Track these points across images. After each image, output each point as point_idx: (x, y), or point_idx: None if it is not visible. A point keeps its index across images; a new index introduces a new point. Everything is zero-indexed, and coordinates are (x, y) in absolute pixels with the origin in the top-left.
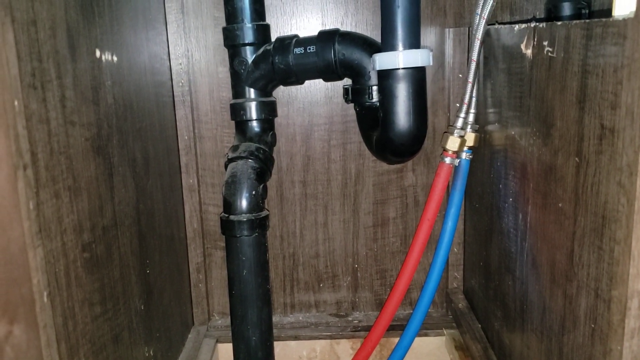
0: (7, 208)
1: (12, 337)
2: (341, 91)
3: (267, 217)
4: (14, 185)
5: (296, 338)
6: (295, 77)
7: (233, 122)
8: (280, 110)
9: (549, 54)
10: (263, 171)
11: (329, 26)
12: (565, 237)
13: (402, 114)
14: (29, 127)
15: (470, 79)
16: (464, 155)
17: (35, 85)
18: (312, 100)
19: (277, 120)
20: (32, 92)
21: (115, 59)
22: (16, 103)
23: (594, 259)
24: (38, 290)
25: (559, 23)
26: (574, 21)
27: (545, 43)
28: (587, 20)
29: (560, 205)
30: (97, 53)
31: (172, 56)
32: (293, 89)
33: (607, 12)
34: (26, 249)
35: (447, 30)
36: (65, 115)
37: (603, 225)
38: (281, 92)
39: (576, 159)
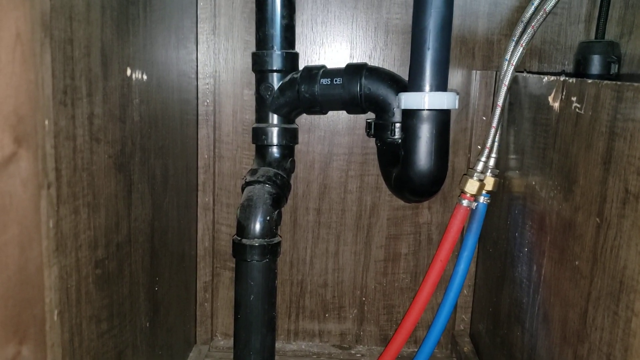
0: (28, 228)
1: (19, 357)
2: (363, 123)
3: (279, 243)
4: (37, 204)
5: None
6: (319, 106)
7: (253, 144)
8: (301, 137)
9: (577, 110)
10: (279, 197)
11: (358, 59)
12: (579, 296)
13: (423, 155)
14: (56, 144)
15: (494, 124)
16: (481, 199)
17: (66, 102)
18: (334, 130)
19: (296, 147)
20: (62, 109)
21: (145, 77)
22: (47, 122)
23: (609, 323)
24: (49, 309)
25: (589, 81)
26: (605, 81)
27: (574, 99)
28: (619, 83)
29: (577, 263)
30: (128, 71)
31: (200, 76)
32: (316, 117)
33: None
34: (42, 268)
35: (474, 72)
36: (91, 132)
37: (620, 291)
38: (304, 120)
39: (597, 219)
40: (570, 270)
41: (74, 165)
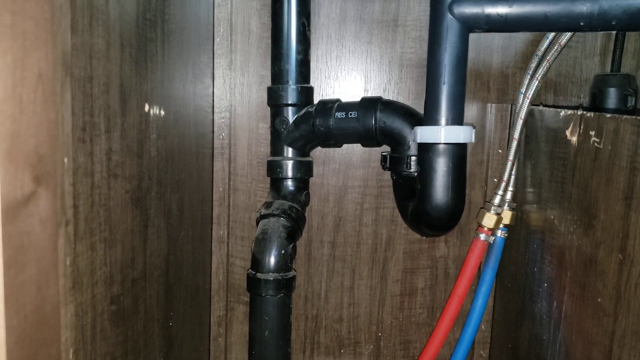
0: (45, 267)
1: None
2: (378, 155)
3: (294, 277)
4: (54, 243)
5: None
6: (334, 140)
7: (268, 177)
8: (315, 169)
9: (596, 144)
10: (294, 230)
11: (372, 92)
12: (603, 334)
13: (440, 189)
14: (74, 181)
15: (511, 157)
16: (499, 233)
17: (85, 139)
18: (349, 162)
19: (311, 179)
20: (80, 146)
21: (162, 112)
22: (66, 160)
23: None
24: (65, 348)
25: (608, 115)
26: (624, 116)
27: (592, 133)
28: (639, 118)
29: (599, 300)
30: (146, 107)
31: (216, 110)
32: (330, 150)
33: None
34: (59, 306)
35: (489, 105)
36: (109, 168)
37: None
38: (318, 152)
39: (619, 255)
40: (593, 308)
41: (91, 201)
